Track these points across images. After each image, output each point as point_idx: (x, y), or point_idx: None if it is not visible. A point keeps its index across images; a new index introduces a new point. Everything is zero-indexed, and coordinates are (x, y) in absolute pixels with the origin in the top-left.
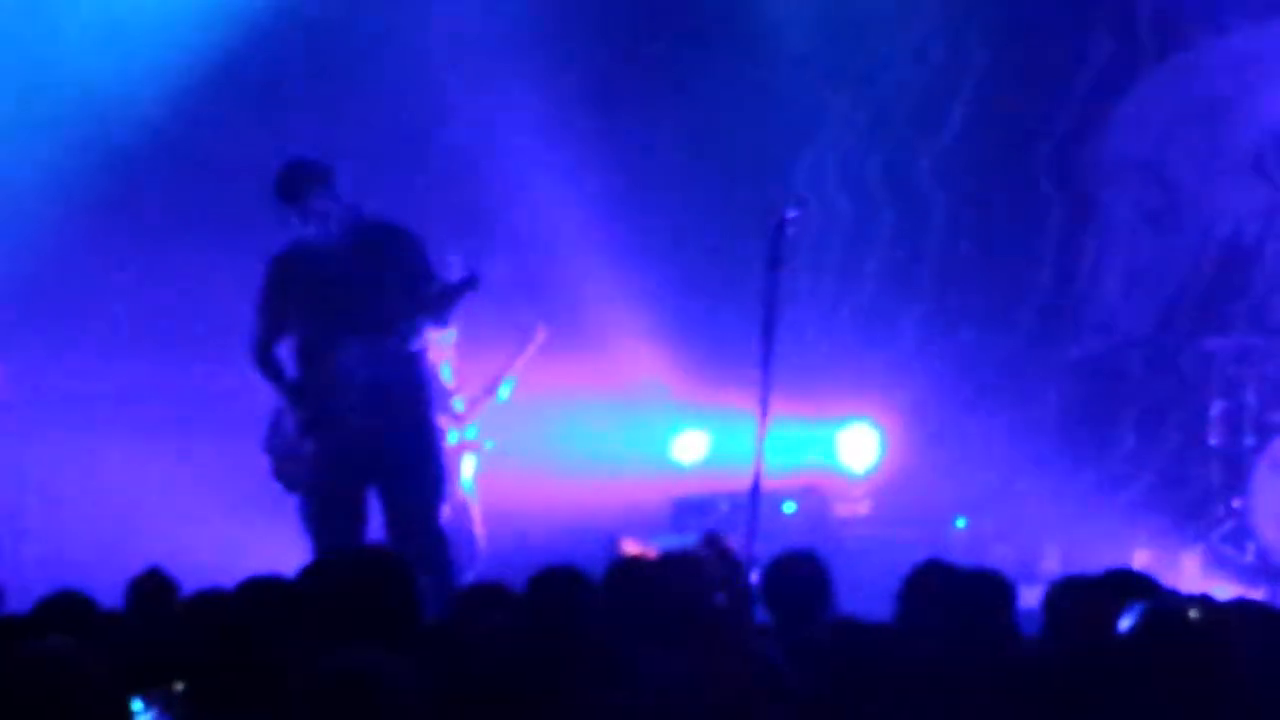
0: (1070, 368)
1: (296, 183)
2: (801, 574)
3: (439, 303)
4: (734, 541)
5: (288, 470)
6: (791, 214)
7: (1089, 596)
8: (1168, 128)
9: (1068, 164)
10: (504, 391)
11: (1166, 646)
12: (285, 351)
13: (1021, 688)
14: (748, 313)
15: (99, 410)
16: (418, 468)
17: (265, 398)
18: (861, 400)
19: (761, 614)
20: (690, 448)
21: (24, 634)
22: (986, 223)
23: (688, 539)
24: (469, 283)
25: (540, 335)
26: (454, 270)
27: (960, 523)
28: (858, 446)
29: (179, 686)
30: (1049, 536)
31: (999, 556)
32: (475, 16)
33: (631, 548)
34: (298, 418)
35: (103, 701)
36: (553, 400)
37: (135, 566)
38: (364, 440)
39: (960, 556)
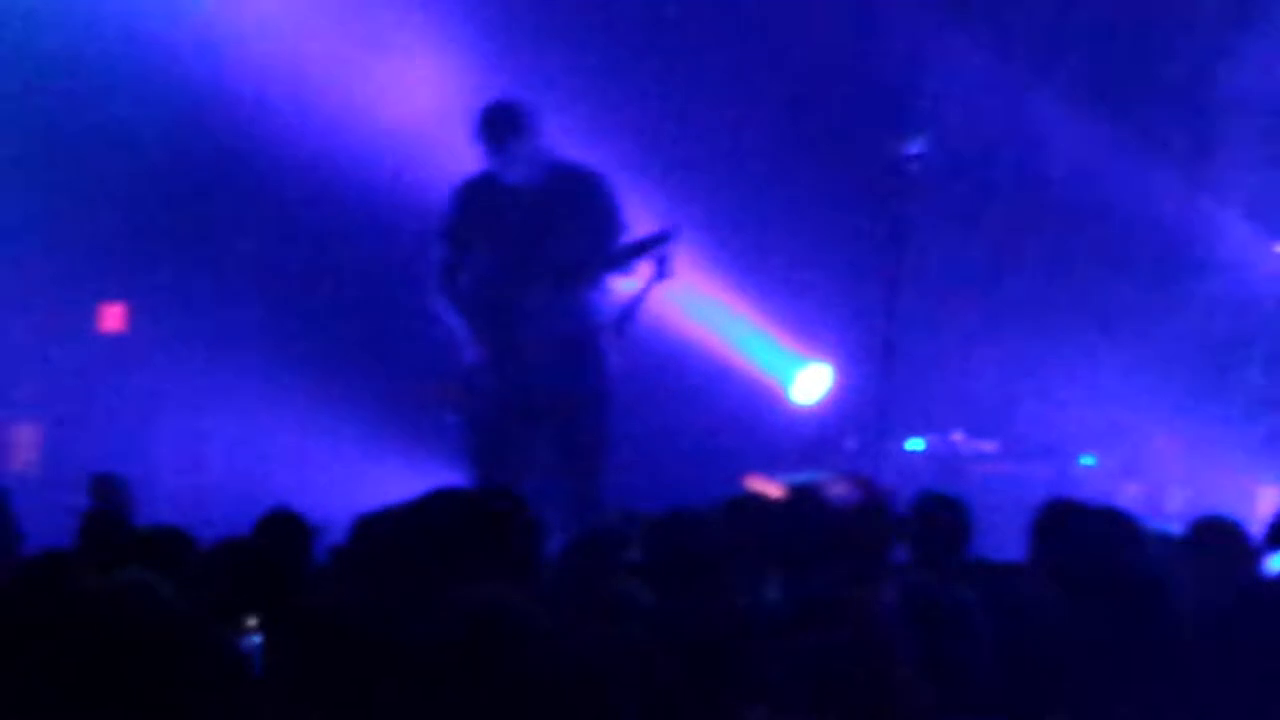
0: (1197, 304)
1: (498, 126)
2: (945, 518)
3: (623, 255)
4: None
5: (465, 404)
6: (915, 148)
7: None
8: None
9: (1191, 98)
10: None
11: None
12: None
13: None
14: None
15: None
16: (591, 414)
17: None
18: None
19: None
20: (812, 384)
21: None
22: (1109, 159)
23: (814, 476)
24: (661, 236)
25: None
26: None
27: (1087, 460)
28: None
29: (252, 621)
30: (1175, 475)
31: (1126, 495)
32: None
33: (761, 485)
34: (478, 352)
35: (181, 631)
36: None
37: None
38: (540, 383)
39: (1087, 494)
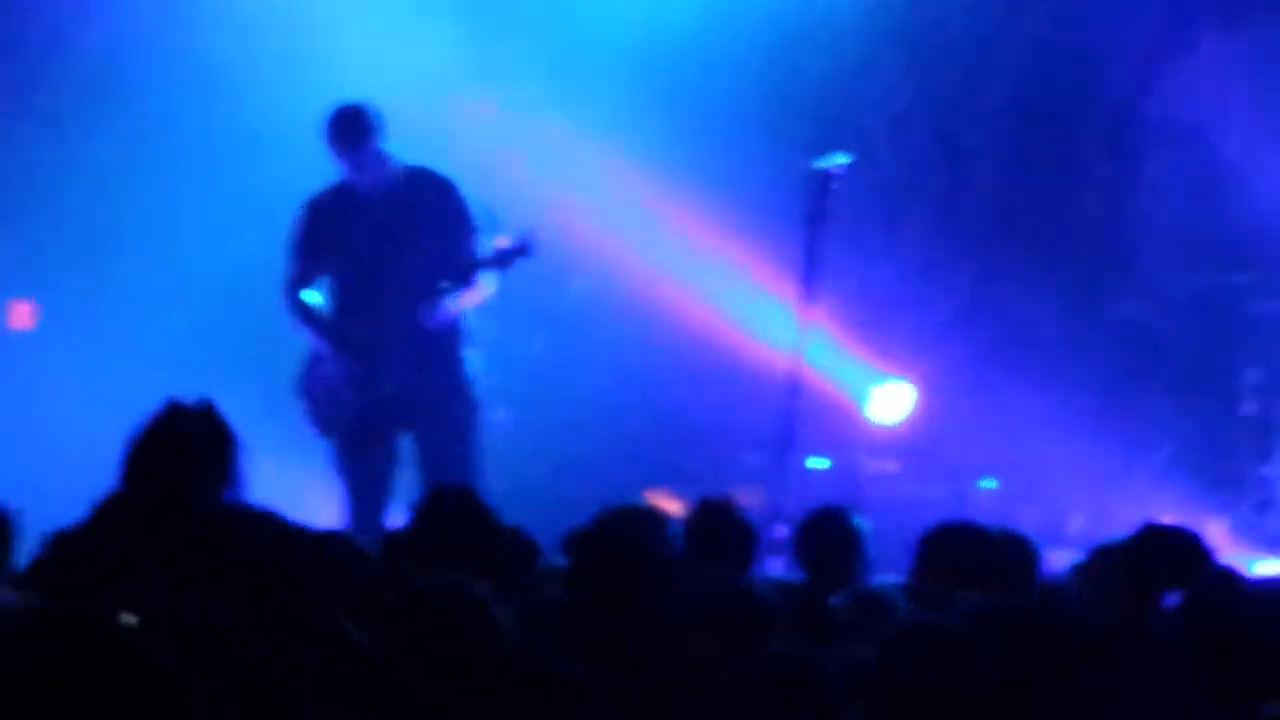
0: (1105, 331)
1: (352, 129)
2: (835, 531)
3: (483, 264)
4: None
5: (325, 414)
6: (837, 168)
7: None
8: (1219, 94)
9: (1117, 127)
10: None
11: (1221, 620)
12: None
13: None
14: (788, 265)
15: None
16: (452, 413)
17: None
18: (896, 357)
19: (795, 571)
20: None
21: None
22: (1031, 185)
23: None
24: (520, 249)
25: None
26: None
27: (988, 483)
28: (890, 402)
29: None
30: (1075, 500)
31: (1025, 518)
32: None
33: (662, 500)
34: (339, 364)
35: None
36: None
37: None
38: (402, 390)
39: (986, 517)
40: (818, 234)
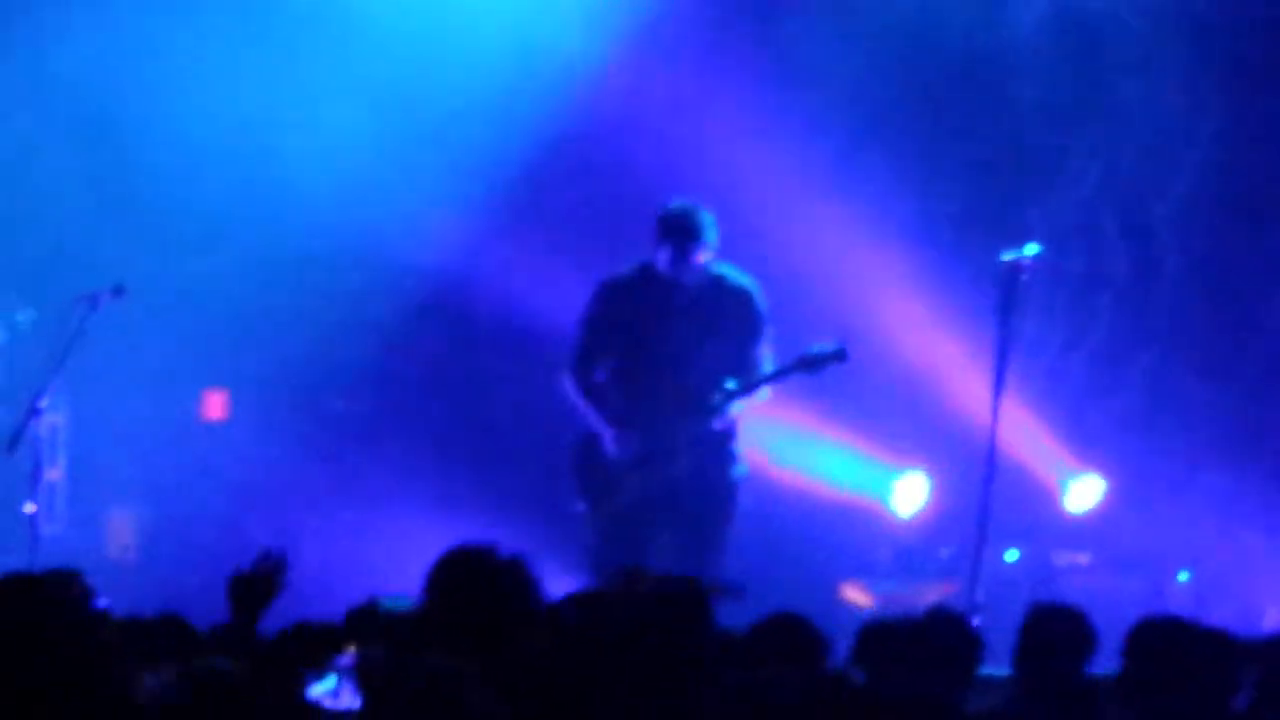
0: None
1: (688, 233)
2: (1063, 629)
3: (790, 369)
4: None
5: (596, 492)
6: (1025, 259)
7: None
8: None
9: None
10: None
11: None
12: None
13: None
14: (980, 359)
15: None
16: (723, 509)
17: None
18: (1088, 449)
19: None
20: (910, 493)
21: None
22: (1219, 274)
23: (908, 585)
24: (836, 355)
25: None
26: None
27: (1183, 576)
28: (1085, 493)
29: None
30: (1271, 594)
31: (1220, 612)
32: None
33: (854, 593)
34: (625, 445)
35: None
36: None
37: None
38: (685, 480)
39: (1181, 610)
40: (1008, 325)
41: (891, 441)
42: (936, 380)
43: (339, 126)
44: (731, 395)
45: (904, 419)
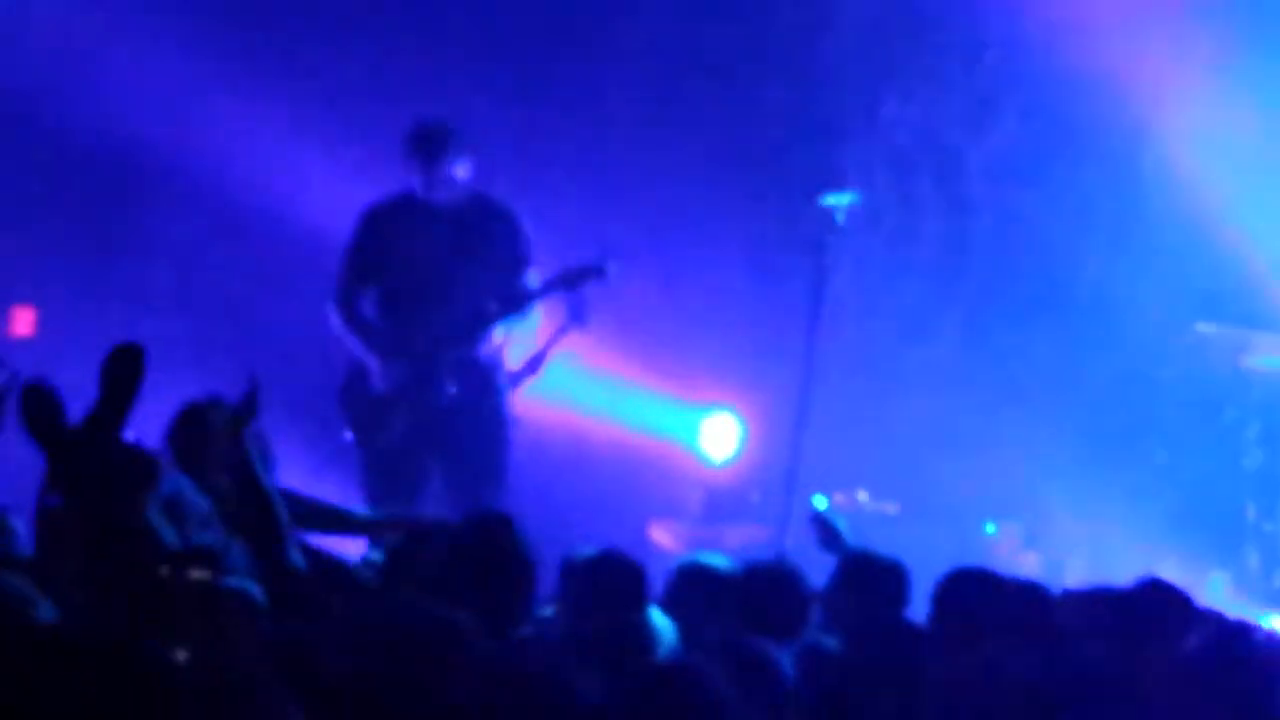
0: (1106, 378)
1: (431, 143)
2: (880, 577)
3: (550, 287)
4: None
5: (366, 426)
6: (841, 205)
7: (1128, 608)
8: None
9: (1118, 171)
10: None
11: (1235, 669)
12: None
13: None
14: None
15: None
16: (490, 439)
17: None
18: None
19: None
20: (720, 435)
21: None
22: (1032, 226)
23: (716, 528)
24: (595, 268)
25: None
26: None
27: (990, 528)
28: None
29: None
30: (1075, 546)
31: (1026, 564)
32: None
33: (662, 535)
34: (389, 375)
35: None
36: (588, 373)
37: None
38: (447, 410)
39: (987, 561)
40: (824, 270)
41: (704, 384)
42: (751, 323)
43: None
44: (493, 318)
45: (717, 362)
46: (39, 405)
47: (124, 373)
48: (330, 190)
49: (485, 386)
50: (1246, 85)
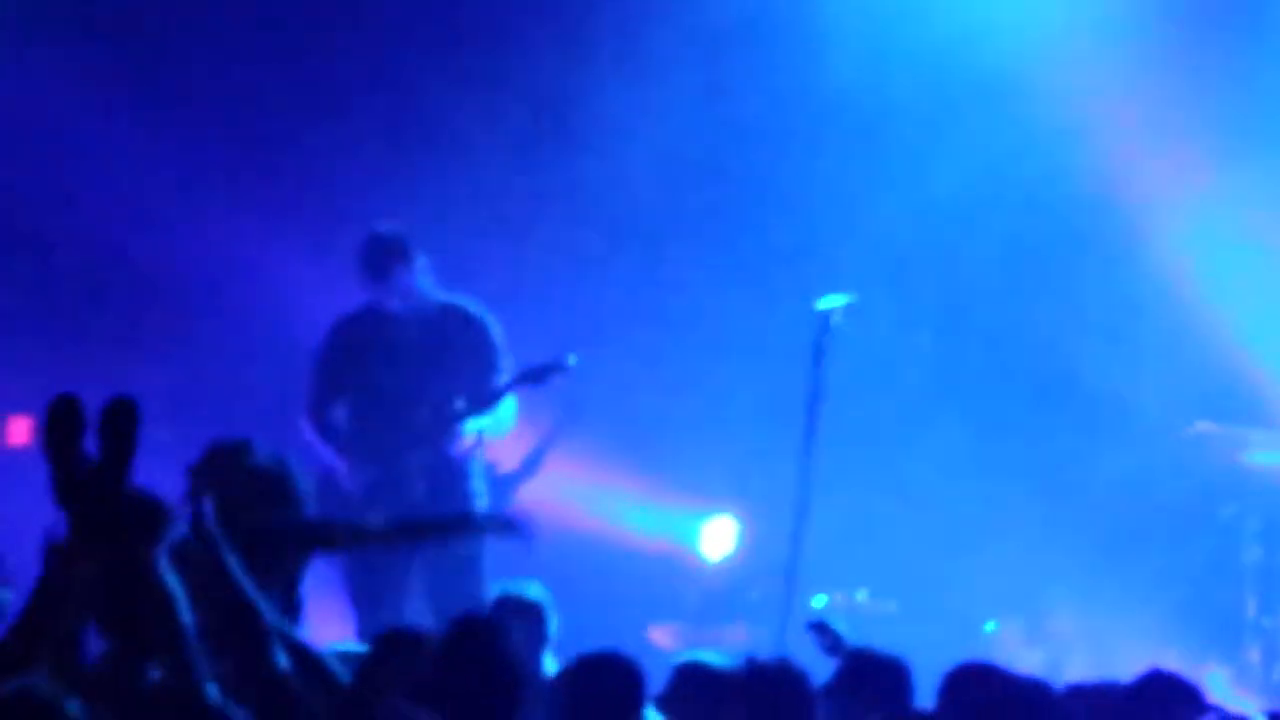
0: (1106, 475)
1: (381, 257)
2: (882, 675)
3: (516, 383)
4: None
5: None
6: (837, 308)
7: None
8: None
9: (1114, 276)
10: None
11: None
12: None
13: None
14: (789, 406)
15: None
16: (462, 553)
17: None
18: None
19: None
20: (719, 537)
21: None
22: (1032, 332)
23: (714, 627)
24: (554, 366)
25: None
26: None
27: (990, 626)
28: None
29: None
30: (1076, 643)
31: (1027, 661)
32: None
33: (661, 636)
34: (358, 477)
35: None
36: (584, 479)
37: None
38: (417, 510)
39: (989, 659)
40: (820, 371)
41: (701, 487)
42: (749, 424)
43: None
44: (459, 416)
45: (716, 464)
46: (68, 418)
47: (123, 427)
48: (313, 298)
49: (454, 484)
50: (1242, 186)
